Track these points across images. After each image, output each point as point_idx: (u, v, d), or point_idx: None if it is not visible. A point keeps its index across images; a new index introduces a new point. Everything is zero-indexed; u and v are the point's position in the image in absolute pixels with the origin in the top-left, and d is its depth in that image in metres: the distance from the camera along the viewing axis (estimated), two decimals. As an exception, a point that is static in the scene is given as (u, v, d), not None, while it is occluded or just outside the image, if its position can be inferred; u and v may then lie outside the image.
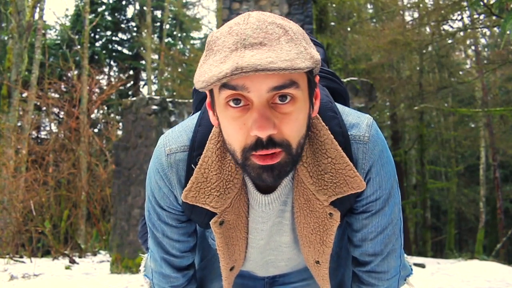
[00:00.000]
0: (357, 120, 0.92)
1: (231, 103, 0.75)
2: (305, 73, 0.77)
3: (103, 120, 16.07)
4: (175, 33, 21.95)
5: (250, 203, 0.94)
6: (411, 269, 1.11)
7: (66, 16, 22.05)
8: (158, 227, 1.01)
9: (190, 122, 0.98)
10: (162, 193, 0.96)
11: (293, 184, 0.92)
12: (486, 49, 16.25)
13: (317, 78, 0.83)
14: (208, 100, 0.87)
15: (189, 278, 1.10)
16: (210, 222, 0.92)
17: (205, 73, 0.72)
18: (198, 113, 0.99)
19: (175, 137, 0.95)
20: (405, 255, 1.11)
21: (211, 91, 0.82)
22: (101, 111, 17.10)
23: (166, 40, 20.05)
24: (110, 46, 21.02)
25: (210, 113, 0.87)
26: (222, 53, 0.72)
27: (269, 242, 1.02)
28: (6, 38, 13.84)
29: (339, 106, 0.95)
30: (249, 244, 1.02)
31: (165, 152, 0.94)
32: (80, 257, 9.32)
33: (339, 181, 0.87)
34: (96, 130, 16.14)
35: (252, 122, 0.73)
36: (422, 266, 7.46)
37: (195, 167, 0.91)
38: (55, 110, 15.34)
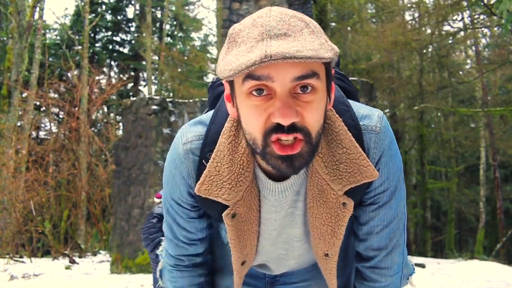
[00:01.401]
0: (369, 112, 0.96)
1: (254, 93, 0.78)
2: (323, 65, 0.80)
3: (103, 120, 16.08)
4: (175, 33, 21.96)
5: (262, 194, 0.96)
6: (413, 268, 1.12)
7: (65, 15, 22.08)
8: (171, 214, 1.05)
9: (205, 116, 1.02)
10: (175, 182, 0.99)
11: (306, 175, 0.94)
12: (486, 49, 16.25)
13: (333, 71, 0.86)
14: (226, 92, 0.88)
15: (195, 263, 1.11)
16: (223, 215, 0.94)
17: (232, 62, 0.75)
18: (212, 111, 1.02)
19: (191, 127, 0.99)
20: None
21: (231, 83, 0.85)
22: (101, 111, 17.11)
23: (166, 40, 20.06)
24: (110, 46, 21.03)
25: (229, 105, 0.89)
26: (248, 44, 0.75)
27: (281, 233, 1.03)
28: (5, 38, 13.85)
29: (351, 101, 0.98)
30: (261, 235, 1.03)
31: (182, 141, 0.98)
32: (80, 257, 9.32)
33: (353, 170, 0.90)
34: (96, 130, 16.15)
35: (275, 110, 0.76)
36: (422, 266, 7.46)
37: (206, 163, 0.94)
38: (55, 110, 15.35)
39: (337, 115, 0.91)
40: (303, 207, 0.98)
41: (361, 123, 0.93)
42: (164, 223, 1.10)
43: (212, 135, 0.95)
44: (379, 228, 0.98)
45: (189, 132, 0.98)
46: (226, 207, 0.94)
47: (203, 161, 0.95)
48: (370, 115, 0.94)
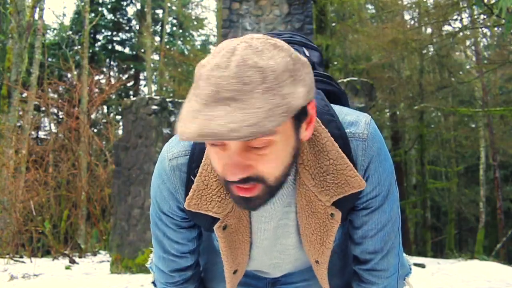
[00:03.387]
0: (356, 118, 0.94)
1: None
2: None
3: (103, 120, 16.08)
4: (175, 31, 21.95)
5: None
6: (410, 268, 1.13)
7: (64, 15, 22.10)
8: (160, 227, 1.04)
9: None
10: (163, 197, 0.99)
11: (295, 186, 0.93)
12: (487, 49, 16.25)
13: (312, 104, 0.81)
14: None
15: (187, 278, 1.12)
16: (214, 228, 0.95)
17: (181, 124, 0.72)
18: None
19: (177, 142, 0.99)
20: (405, 255, 1.12)
21: None
22: (101, 111, 17.11)
23: (166, 39, 20.04)
24: (110, 46, 21.02)
25: None
26: (199, 101, 0.71)
27: (275, 244, 1.04)
28: (4, 39, 13.84)
29: (337, 107, 0.96)
30: (253, 244, 1.03)
31: (168, 157, 0.97)
32: (80, 257, 9.32)
33: (340, 181, 0.89)
34: (96, 130, 16.15)
35: (225, 164, 0.76)
36: (422, 266, 7.45)
37: (194, 178, 0.94)
38: (55, 110, 15.34)
39: (323, 126, 0.90)
40: (295, 217, 0.98)
41: (347, 130, 0.92)
42: (153, 240, 1.09)
43: (198, 150, 0.95)
44: (373, 232, 0.98)
45: (175, 147, 0.97)
46: (216, 219, 0.94)
47: (191, 176, 0.94)
48: (356, 122, 0.93)
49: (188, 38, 22.68)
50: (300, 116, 0.77)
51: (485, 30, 12.80)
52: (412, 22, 13.33)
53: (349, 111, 0.97)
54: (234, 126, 0.66)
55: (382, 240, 0.99)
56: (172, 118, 7.31)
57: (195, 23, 22.18)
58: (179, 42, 22.13)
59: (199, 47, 22.22)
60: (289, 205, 0.96)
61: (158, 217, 1.03)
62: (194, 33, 22.97)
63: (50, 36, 20.56)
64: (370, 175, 0.93)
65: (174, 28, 22.24)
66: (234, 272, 1.05)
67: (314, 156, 0.89)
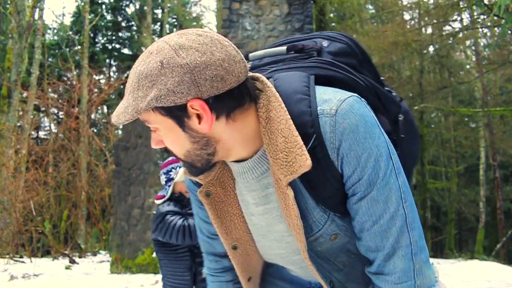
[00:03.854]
0: (331, 96, 0.90)
1: None
2: (157, 110, 0.86)
3: (103, 120, 16.08)
4: (175, 31, 21.95)
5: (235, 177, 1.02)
6: (436, 281, 0.97)
7: (63, 15, 22.09)
8: (193, 207, 1.16)
9: None
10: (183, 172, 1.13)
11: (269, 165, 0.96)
12: (486, 49, 16.26)
13: (197, 103, 0.83)
14: None
15: (224, 267, 1.18)
16: (197, 193, 1.02)
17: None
18: None
19: None
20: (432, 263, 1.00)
21: None
22: (101, 111, 17.13)
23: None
24: (110, 46, 21.03)
25: None
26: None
27: (270, 231, 1.04)
28: (3, 38, 13.83)
29: (321, 88, 0.93)
30: (247, 222, 1.07)
31: None
32: (80, 257, 9.32)
33: (291, 160, 0.88)
34: (96, 130, 16.15)
35: None
36: (422, 266, 7.45)
37: None
38: (55, 110, 15.35)
39: (283, 105, 0.89)
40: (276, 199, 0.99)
41: (319, 107, 0.89)
42: None
43: None
44: (368, 224, 0.92)
45: None
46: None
47: None
48: (330, 99, 0.89)
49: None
50: (174, 114, 0.86)
51: (485, 30, 12.80)
52: (412, 22, 13.35)
53: (333, 91, 0.93)
54: (113, 113, 0.89)
55: (381, 235, 0.91)
56: (172, 118, 7.31)
57: (195, 23, 22.20)
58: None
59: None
60: (269, 186, 0.97)
61: (191, 196, 1.15)
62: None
63: (50, 36, 20.57)
64: (345, 155, 0.88)
65: (174, 28, 22.24)
66: (235, 248, 1.07)
67: (273, 134, 0.90)
